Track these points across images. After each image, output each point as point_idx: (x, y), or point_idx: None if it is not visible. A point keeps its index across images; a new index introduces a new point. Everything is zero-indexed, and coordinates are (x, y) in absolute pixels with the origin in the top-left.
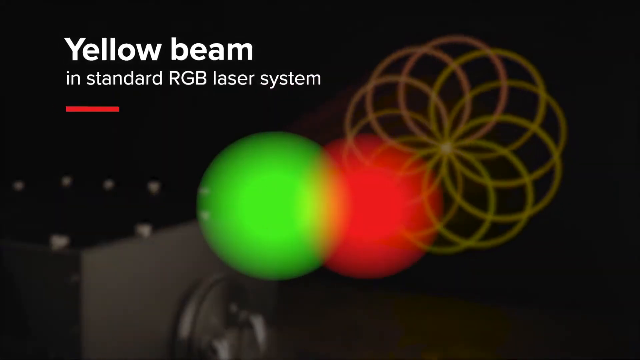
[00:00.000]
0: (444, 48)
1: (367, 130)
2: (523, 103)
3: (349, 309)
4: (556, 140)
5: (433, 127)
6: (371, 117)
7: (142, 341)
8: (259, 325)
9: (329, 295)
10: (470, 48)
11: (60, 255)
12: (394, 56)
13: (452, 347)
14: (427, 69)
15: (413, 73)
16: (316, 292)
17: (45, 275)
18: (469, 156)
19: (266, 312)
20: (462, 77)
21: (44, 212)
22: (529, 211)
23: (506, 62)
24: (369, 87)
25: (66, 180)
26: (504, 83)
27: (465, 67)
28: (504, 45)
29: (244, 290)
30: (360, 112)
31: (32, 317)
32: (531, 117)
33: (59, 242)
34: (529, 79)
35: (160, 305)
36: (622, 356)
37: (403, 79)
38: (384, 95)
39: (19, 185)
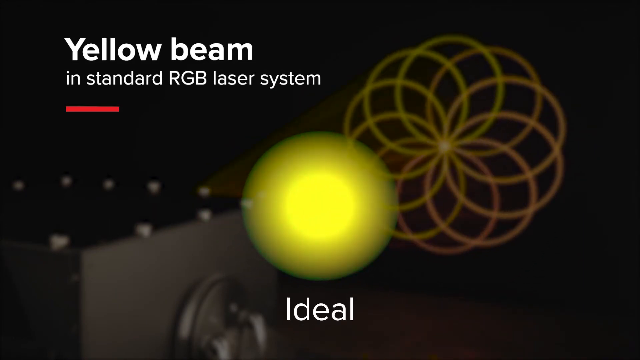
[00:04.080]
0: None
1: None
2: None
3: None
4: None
5: (432, 127)
6: (370, 122)
7: (142, 341)
8: (259, 325)
9: (329, 295)
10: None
11: (60, 255)
12: (392, 57)
13: (452, 347)
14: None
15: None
16: (316, 292)
17: (45, 275)
18: (469, 154)
19: (266, 312)
20: (501, 93)
21: (44, 212)
22: (533, 207)
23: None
24: (365, 92)
25: (66, 180)
26: (530, 120)
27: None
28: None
29: (244, 290)
30: (358, 117)
31: (32, 317)
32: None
33: (59, 242)
34: (524, 74)
35: (160, 305)
36: (621, 356)
37: (399, 81)
38: (381, 98)
39: (19, 185)
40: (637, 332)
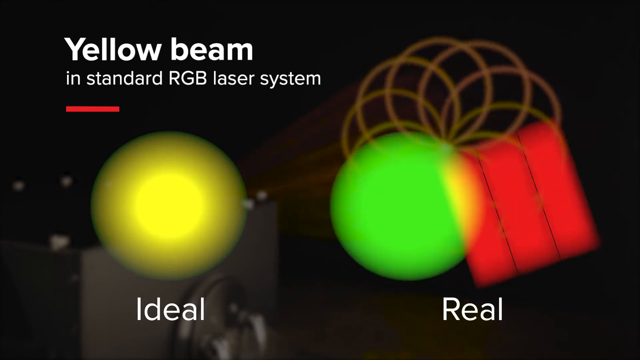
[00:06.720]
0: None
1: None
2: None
3: (349, 309)
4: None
5: (429, 131)
6: (367, 136)
7: (142, 341)
8: (259, 325)
9: (329, 295)
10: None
11: (60, 255)
12: (383, 65)
13: (452, 347)
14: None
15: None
16: (316, 292)
17: (45, 275)
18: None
19: (266, 312)
20: (489, 85)
21: (44, 212)
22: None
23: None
24: (357, 107)
25: (66, 180)
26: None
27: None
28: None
29: (244, 290)
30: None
31: (32, 317)
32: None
33: (59, 242)
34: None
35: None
36: (622, 356)
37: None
38: (374, 110)
39: (19, 185)
40: (637, 332)
